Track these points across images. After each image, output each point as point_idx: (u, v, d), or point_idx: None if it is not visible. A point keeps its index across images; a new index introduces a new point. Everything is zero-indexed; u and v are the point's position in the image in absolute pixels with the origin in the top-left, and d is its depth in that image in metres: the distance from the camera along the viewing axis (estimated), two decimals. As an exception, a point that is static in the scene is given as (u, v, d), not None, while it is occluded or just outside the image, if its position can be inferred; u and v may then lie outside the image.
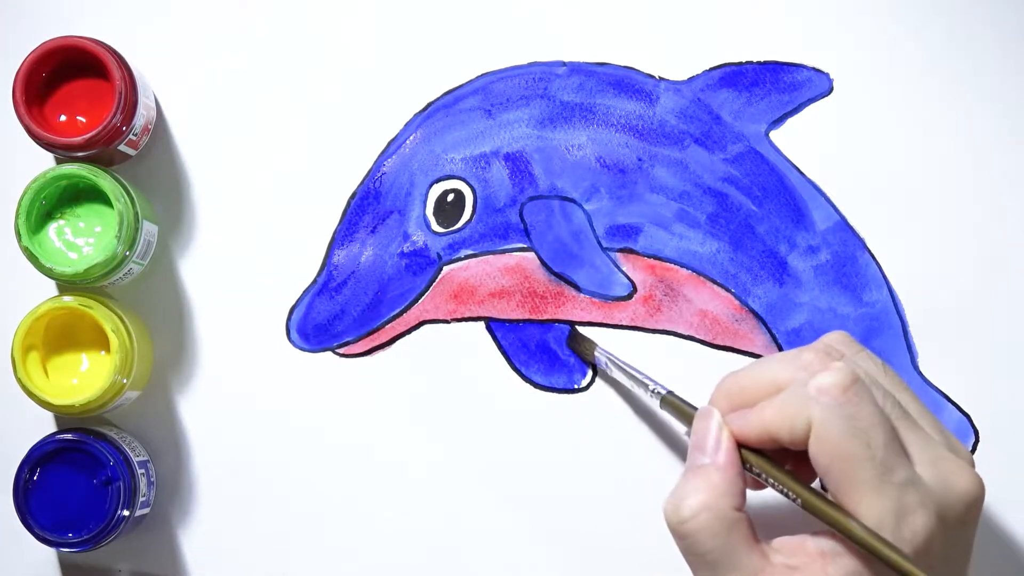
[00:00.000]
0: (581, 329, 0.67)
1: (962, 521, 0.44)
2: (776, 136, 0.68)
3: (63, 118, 0.63)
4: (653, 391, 0.60)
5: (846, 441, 0.43)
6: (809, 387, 0.45)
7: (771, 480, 0.48)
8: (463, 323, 0.67)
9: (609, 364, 0.64)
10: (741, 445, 0.48)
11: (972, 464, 0.46)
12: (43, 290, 0.66)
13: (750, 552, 0.45)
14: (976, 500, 0.44)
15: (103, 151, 0.63)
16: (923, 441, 0.45)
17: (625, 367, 0.63)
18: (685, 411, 0.56)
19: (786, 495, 0.48)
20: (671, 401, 0.59)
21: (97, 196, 0.63)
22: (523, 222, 0.67)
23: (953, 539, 0.44)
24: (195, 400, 0.67)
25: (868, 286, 0.68)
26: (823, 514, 0.44)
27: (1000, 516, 0.67)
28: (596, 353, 0.65)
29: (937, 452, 0.45)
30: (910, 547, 0.42)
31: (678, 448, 0.67)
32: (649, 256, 0.68)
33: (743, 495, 0.47)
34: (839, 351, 0.49)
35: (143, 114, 0.65)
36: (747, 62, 0.68)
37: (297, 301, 0.67)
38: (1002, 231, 0.68)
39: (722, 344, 0.67)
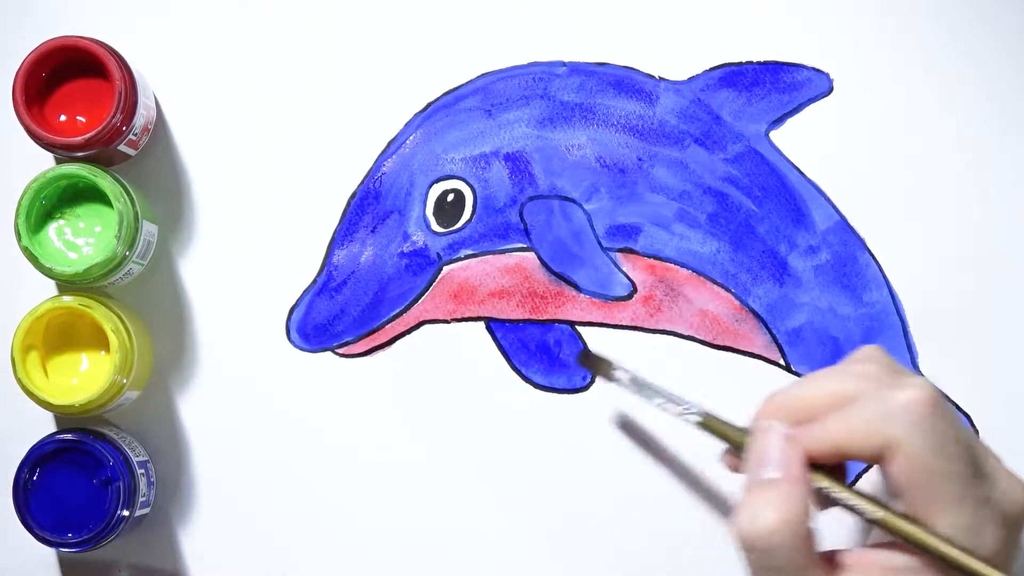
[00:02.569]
0: (591, 338, 0.67)
1: (1018, 527, 0.45)
2: (776, 136, 0.68)
3: (63, 118, 0.63)
4: (685, 413, 0.57)
5: (934, 458, 0.43)
6: (893, 403, 0.45)
7: (838, 496, 0.47)
8: (463, 323, 0.67)
9: (633, 385, 0.60)
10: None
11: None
12: (43, 290, 0.66)
13: (822, 568, 0.45)
14: None
15: (103, 151, 0.63)
16: (989, 455, 0.46)
17: (653, 388, 0.59)
18: (729, 432, 0.55)
19: (854, 511, 0.47)
20: (711, 424, 0.56)
21: (97, 196, 0.63)
22: (523, 222, 0.67)
23: (1012, 546, 0.45)
24: (195, 400, 0.67)
25: (868, 286, 0.68)
26: (903, 531, 0.44)
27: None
28: (616, 374, 0.61)
29: (997, 465, 0.46)
30: (987, 556, 0.43)
31: (678, 449, 0.67)
32: (649, 256, 0.68)
33: (811, 510, 0.47)
34: (899, 365, 0.49)
35: (143, 114, 0.65)
36: (747, 62, 0.68)
37: (297, 301, 0.67)
38: (1002, 231, 0.68)
39: (722, 344, 0.67)
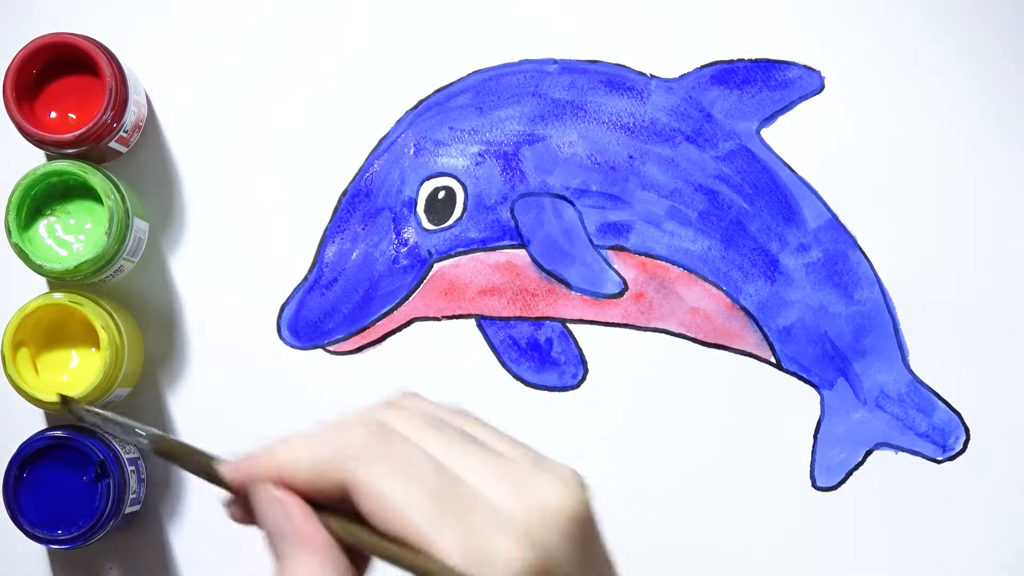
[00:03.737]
0: (583, 335, 0.67)
1: (568, 537, 0.39)
2: (767, 134, 0.68)
3: (53, 115, 0.63)
4: (145, 437, 0.48)
5: (391, 483, 0.39)
6: (336, 441, 0.40)
7: (352, 539, 0.41)
8: (454, 320, 0.67)
9: (99, 422, 0.50)
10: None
11: (574, 479, 0.40)
12: (33, 287, 0.66)
13: None
14: (575, 514, 0.39)
15: (94, 148, 0.63)
16: (493, 462, 0.40)
17: (112, 418, 0.50)
18: (199, 464, 0.46)
19: (370, 551, 0.41)
20: (169, 448, 0.47)
21: (87, 193, 0.63)
22: (514, 219, 0.67)
23: (566, 558, 0.39)
24: (185, 397, 0.67)
25: (859, 284, 0.68)
26: (399, 559, 0.39)
27: (993, 512, 0.67)
28: (82, 413, 0.51)
29: (514, 469, 0.40)
30: (504, 571, 0.39)
31: (669, 447, 0.67)
32: (640, 254, 0.68)
33: (346, 563, 0.41)
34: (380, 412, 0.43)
35: (134, 111, 0.65)
36: (738, 60, 0.68)
37: (288, 298, 0.67)
38: (993, 229, 0.68)
39: (713, 342, 0.67)
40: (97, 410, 0.50)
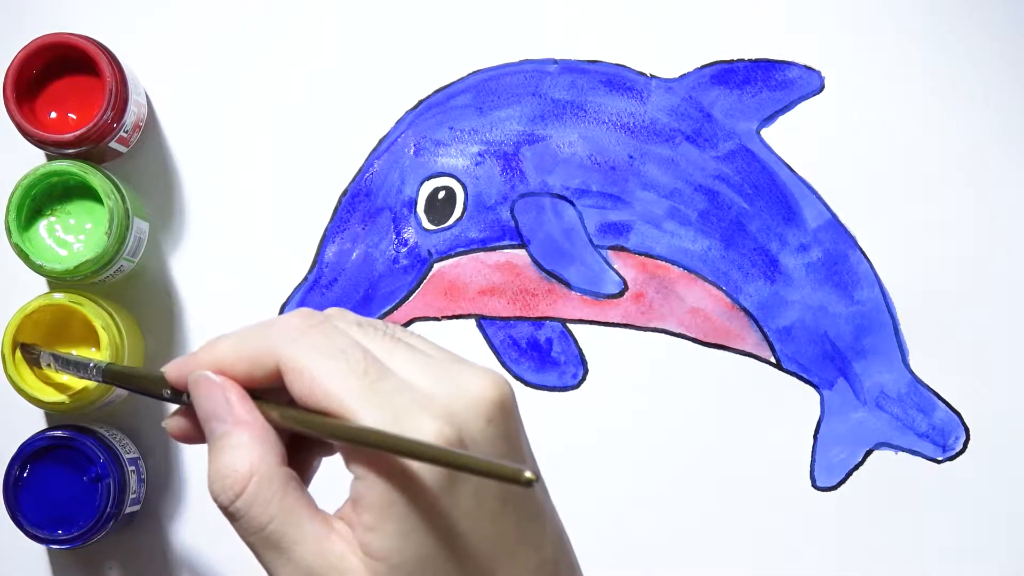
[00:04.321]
0: (582, 335, 0.67)
1: (489, 420, 0.40)
2: (767, 134, 0.68)
3: (54, 115, 0.63)
4: (93, 368, 0.52)
5: (322, 362, 0.39)
6: (271, 330, 0.41)
7: (287, 422, 0.41)
8: (454, 320, 0.67)
9: (52, 363, 0.59)
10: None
11: (495, 374, 0.41)
12: (33, 287, 0.66)
13: (312, 518, 0.41)
14: (495, 399, 0.40)
15: (94, 148, 0.63)
16: (418, 358, 0.41)
17: (63, 357, 0.57)
18: (144, 379, 0.46)
19: (300, 428, 0.41)
20: (117, 373, 0.50)
21: (87, 193, 0.63)
22: (514, 219, 0.67)
23: (485, 438, 0.40)
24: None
25: (859, 284, 0.68)
26: (325, 428, 0.39)
27: (992, 512, 0.67)
28: (40, 357, 0.60)
29: (438, 364, 0.41)
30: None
31: (669, 447, 0.67)
32: (640, 254, 0.68)
33: (283, 451, 0.42)
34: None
35: (134, 111, 0.65)
36: (738, 60, 0.68)
37: (288, 298, 0.67)
38: (993, 229, 0.68)
39: (713, 342, 0.67)
40: (51, 352, 0.57)
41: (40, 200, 0.63)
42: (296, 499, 0.41)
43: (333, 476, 0.45)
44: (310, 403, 0.40)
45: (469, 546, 0.39)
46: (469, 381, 0.40)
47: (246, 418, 0.41)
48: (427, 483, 0.38)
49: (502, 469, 0.36)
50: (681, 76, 0.68)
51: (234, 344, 0.42)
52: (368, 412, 0.39)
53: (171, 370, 0.43)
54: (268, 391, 0.42)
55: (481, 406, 0.40)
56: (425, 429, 0.38)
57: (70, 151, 0.63)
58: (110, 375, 0.51)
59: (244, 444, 0.41)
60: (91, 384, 0.61)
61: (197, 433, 0.43)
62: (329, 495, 0.45)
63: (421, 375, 0.40)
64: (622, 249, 0.67)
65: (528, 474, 0.35)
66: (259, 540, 0.41)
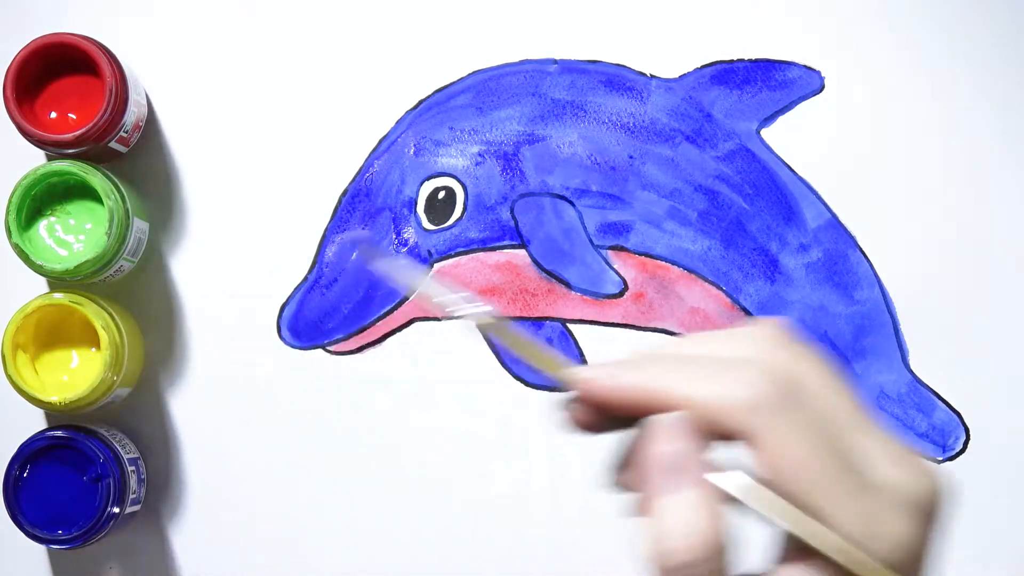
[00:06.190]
0: (582, 335, 0.67)
1: (931, 518, 0.39)
2: (767, 134, 0.68)
3: (54, 115, 0.63)
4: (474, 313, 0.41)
5: (794, 448, 0.37)
6: (739, 399, 0.38)
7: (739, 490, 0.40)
8: (454, 321, 0.67)
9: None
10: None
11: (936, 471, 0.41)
12: (33, 287, 0.66)
13: None
14: (943, 495, 0.39)
15: (94, 148, 0.63)
16: (880, 442, 0.38)
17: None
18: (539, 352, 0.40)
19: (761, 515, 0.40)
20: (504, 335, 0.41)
21: (88, 193, 0.63)
22: (514, 219, 0.67)
23: (928, 539, 0.41)
24: (186, 397, 0.67)
25: (859, 284, 0.68)
26: (797, 523, 0.38)
27: (990, 511, 0.67)
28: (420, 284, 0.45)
29: (897, 451, 0.38)
30: (890, 552, 0.38)
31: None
32: (640, 254, 0.68)
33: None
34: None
35: (134, 111, 0.65)
36: (738, 60, 0.68)
37: (288, 298, 0.67)
38: (993, 229, 0.68)
39: (713, 342, 0.67)
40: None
41: (40, 200, 0.63)
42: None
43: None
44: (776, 483, 0.38)
45: None
46: (926, 471, 0.38)
47: (700, 478, 0.39)
48: None
49: None
50: (681, 76, 0.68)
51: (691, 390, 0.38)
52: (837, 513, 0.37)
53: (609, 392, 0.39)
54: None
55: (932, 501, 0.39)
56: (895, 530, 0.37)
57: (70, 151, 0.63)
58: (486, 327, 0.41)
59: (705, 513, 0.39)
60: (90, 384, 0.61)
61: (600, 423, 0.40)
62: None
63: (885, 463, 0.38)
64: (622, 249, 0.67)
65: None
66: None
